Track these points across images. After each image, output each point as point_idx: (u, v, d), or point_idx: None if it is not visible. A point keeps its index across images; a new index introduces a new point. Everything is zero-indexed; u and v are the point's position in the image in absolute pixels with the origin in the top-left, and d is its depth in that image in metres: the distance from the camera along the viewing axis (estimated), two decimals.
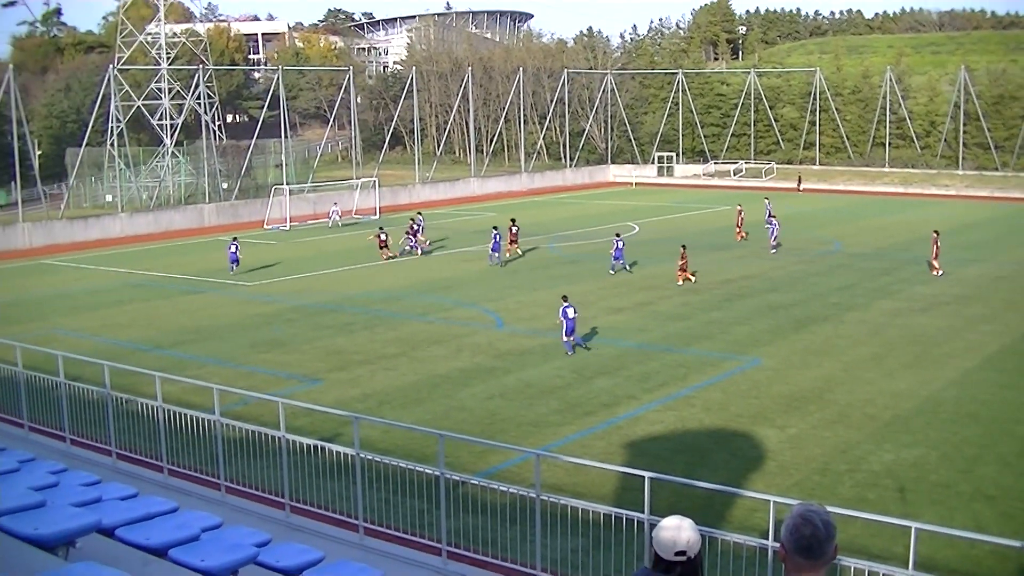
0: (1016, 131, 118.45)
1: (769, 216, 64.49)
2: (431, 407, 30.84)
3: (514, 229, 60.87)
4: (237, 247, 56.92)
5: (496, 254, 58.50)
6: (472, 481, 21.73)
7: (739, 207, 70.10)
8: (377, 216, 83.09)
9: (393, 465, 20.24)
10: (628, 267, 55.76)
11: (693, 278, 51.30)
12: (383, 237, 60.79)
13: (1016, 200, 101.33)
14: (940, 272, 52.80)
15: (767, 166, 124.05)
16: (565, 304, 37.46)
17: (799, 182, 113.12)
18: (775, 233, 62.10)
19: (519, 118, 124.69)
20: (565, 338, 37.16)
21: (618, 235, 56.82)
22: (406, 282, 53.31)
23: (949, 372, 34.61)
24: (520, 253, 60.72)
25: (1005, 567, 20.17)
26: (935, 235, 54.13)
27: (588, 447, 26.84)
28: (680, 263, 51.42)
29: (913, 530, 17.89)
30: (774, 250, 61.61)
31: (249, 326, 43.47)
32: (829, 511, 6.26)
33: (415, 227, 64.02)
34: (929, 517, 22.02)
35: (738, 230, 67.97)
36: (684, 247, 52.13)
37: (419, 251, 62.26)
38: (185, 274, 57.38)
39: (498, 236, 58.60)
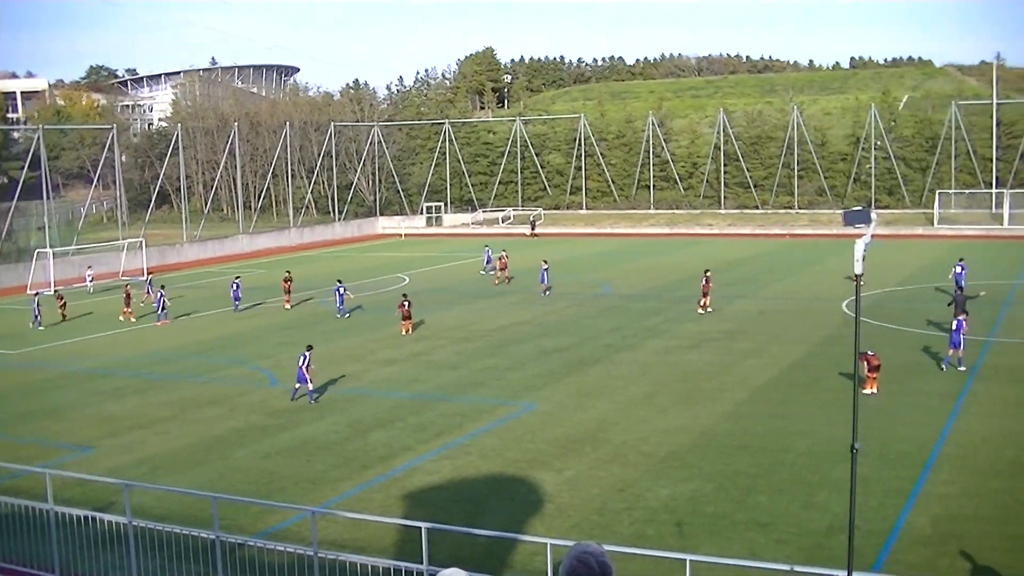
0: (774, 170, 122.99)
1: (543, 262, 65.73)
2: (207, 469, 30.21)
3: (288, 283, 61.94)
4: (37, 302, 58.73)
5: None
6: (250, 543, 21.38)
7: (503, 252, 72.80)
8: (145, 277, 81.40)
9: (168, 531, 19.78)
10: (347, 314, 57.76)
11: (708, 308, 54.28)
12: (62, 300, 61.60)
13: (775, 236, 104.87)
14: (708, 310, 54.28)
15: (535, 212, 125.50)
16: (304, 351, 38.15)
17: (533, 226, 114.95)
18: (545, 278, 63.22)
19: (287, 172, 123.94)
20: (297, 384, 37.85)
21: (340, 281, 59.17)
22: (177, 343, 52.22)
23: (720, 406, 35.49)
24: (290, 307, 60.66)
25: None
26: (706, 274, 55.57)
27: (367, 501, 26.64)
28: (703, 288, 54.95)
29: (688, 562, 18.30)
30: (544, 294, 62.57)
31: (16, 395, 41.92)
32: (606, 550, 6.32)
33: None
34: (707, 548, 22.53)
35: (502, 273, 69.86)
36: (708, 271, 55.83)
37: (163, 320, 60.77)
38: None
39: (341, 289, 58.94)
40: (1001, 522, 24.00)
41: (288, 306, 61.43)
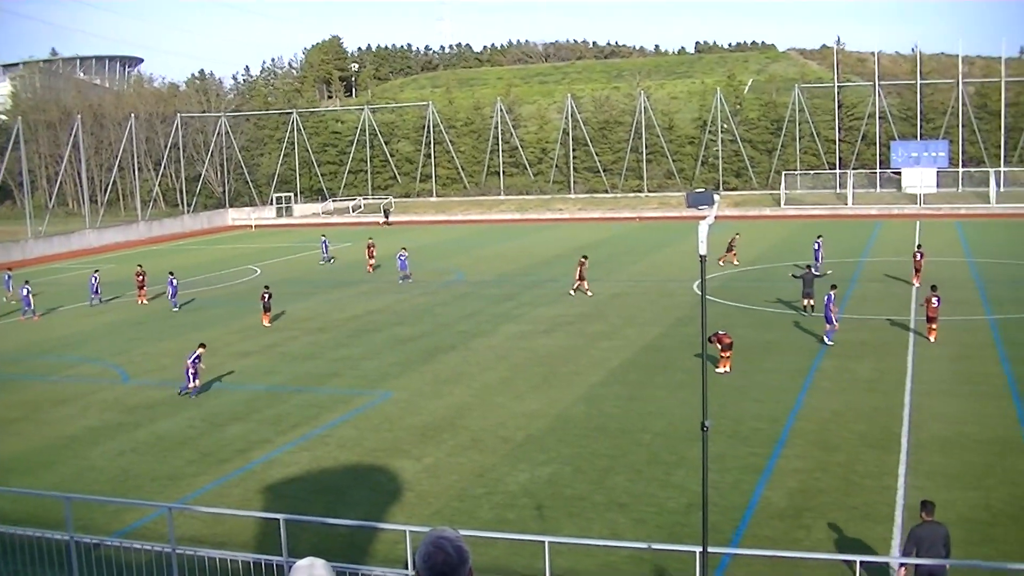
0: (622, 154, 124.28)
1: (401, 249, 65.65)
2: (61, 470, 29.55)
3: (141, 277, 60.75)
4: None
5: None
6: (107, 543, 21.05)
7: (370, 240, 72.54)
8: (4, 274, 79.64)
9: (21, 535, 19.37)
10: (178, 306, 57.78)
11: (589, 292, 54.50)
12: None
13: (626, 220, 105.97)
14: (580, 293, 55.07)
15: (385, 201, 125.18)
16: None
17: (386, 215, 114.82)
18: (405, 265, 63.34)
19: (133, 165, 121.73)
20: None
21: (172, 273, 58.92)
22: (25, 342, 50.98)
23: (576, 389, 35.80)
24: (146, 302, 59.68)
25: (641, 570, 20.95)
26: (583, 260, 56.53)
27: (225, 496, 26.37)
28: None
29: (546, 544, 18.48)
30: (402, 281, 62.61)
31: None
32: (464, 535, 6.34)
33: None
34: (568, 530, 22.75)
35: (370, 263, 69.52)
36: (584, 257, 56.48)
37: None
38: None
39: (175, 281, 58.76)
40: (848, 493, 24.61)
41: (143, 301, 60.15)
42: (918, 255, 55.76)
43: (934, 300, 41.16)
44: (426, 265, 70.28)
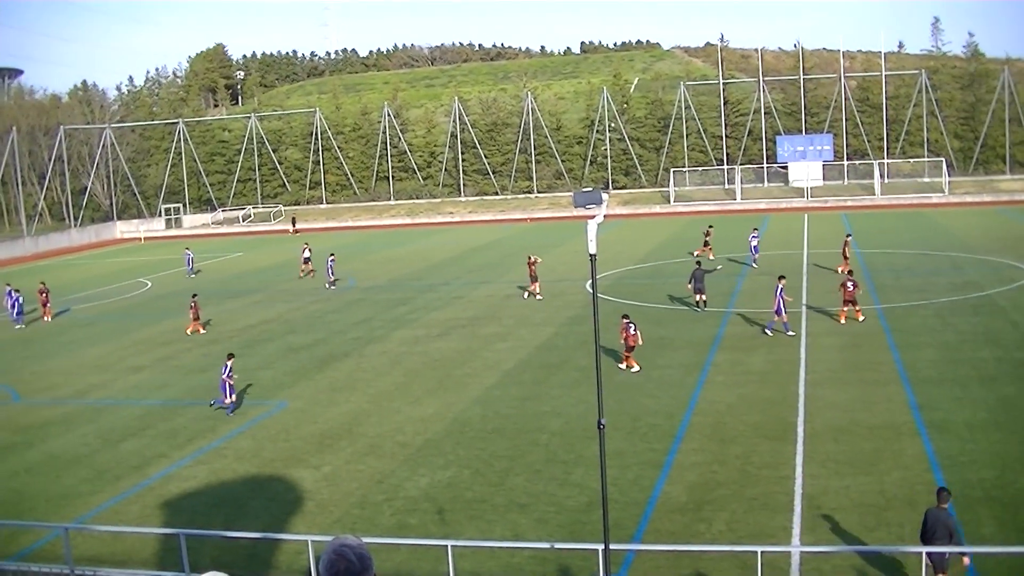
0: (511, 156, 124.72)
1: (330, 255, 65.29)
2: None
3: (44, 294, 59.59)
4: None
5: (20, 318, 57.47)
6: (3, 566, 20.72)
7: (306, 244, 73.16)
8: None
9: None
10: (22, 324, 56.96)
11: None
12: None
13: (516, 221, 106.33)
14: (538, 296, 54.22)
15: (275, 209, 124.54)
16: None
17: (294, 223, 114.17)
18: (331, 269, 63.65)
19: (16, 179, 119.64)
20: (224, 400, 35.56)
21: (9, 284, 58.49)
22: None
23: (471, 392, 35.90)
24: (49, 320, 58.47)
25: (545, 569, 21.07)
26: (536, 259, 55.75)
27: (122, 513, 26.04)
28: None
29: (449, 548, 18.52)
30: (330, 286, 62.95)
31: None
32: (366, 542, 6.37)
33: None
34: (470, 533, 22.82)
35: (304, 267, 69.60)
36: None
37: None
38: None
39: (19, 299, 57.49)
40: (746, 485, 24.93)
41: (47, 318, 58.81)
42: (847, 242, 57.91)
43: (849, 284, 43.52)
44: (317, 272, 69.89)
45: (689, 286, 48.58)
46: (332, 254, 66.10)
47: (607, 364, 36.44)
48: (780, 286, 41.77)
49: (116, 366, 44.84)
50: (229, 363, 35.47)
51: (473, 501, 25.17)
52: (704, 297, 47.90)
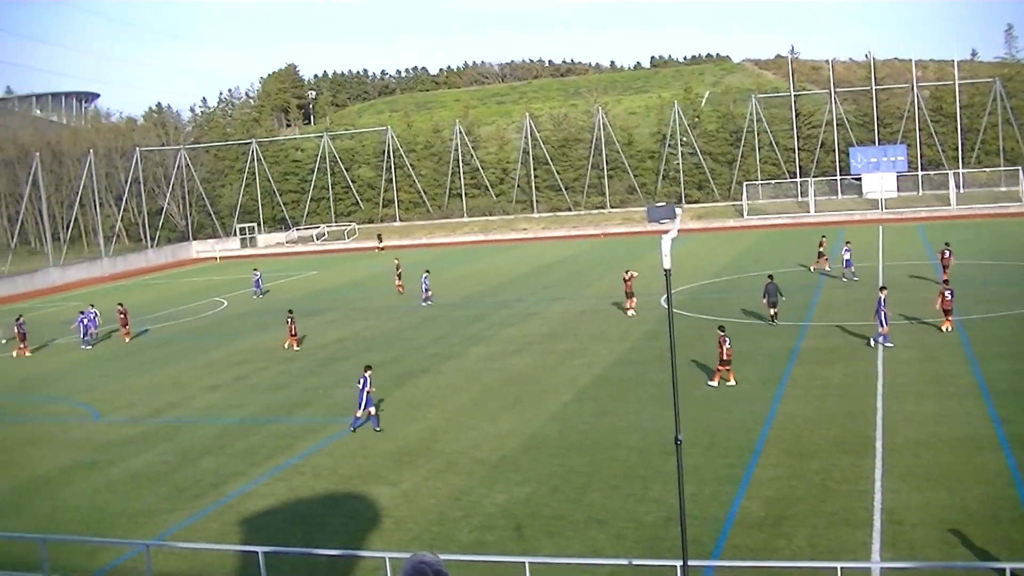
0: (583, 172, 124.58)
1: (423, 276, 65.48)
2: (34, 512, 29.30)
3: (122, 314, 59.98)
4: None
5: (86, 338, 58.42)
6: None
7: (396, 260, 74.15)
8: None
9: None
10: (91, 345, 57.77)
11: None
12: None
13: (589, 237, 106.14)
14: (630, 313, 53.15)
15: (348, 228, 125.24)
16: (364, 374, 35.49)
17: (379, 239, 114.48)
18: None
19: (94, 201, 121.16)
20: (358, 413, 35.12)
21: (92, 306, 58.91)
22: None
23: (548, 408, 35.80)
24: (128, 340, 58.98)
25: None
26: (633, 274, 54.23)
27: (201, 530, 26.21)
28: None
29: (526, 565, 18.46)
30: (425, 303, 63.17)
31: None
32: (444, 559, 6.34)
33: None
34: (547, 550, 22.73)
35: (399, 284, 69.98)
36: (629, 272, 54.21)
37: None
38: None
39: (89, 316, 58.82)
40: (825, 500, 24.66)
41: (128, 339, 59.12)
42: (946, 252, 57.08)
43: (947, 294, 43.65)
44: (393, 290, 70.12)
45: (763, 300, 48.36)
46: (427, 271, 66.31)
47: (685, 379, 36.25)
48: (882, 297, 41.37)
49: (192, 385, 45.22)
50: (367, 375, 35.09)
51: (551, 517, 25.07)
52: (776, 311, 47.61)
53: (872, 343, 41.30)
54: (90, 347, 57.68)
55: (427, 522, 25.49)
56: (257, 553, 18.68)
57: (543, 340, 48.69)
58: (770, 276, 50.37)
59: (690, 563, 16.97)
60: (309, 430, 35.75)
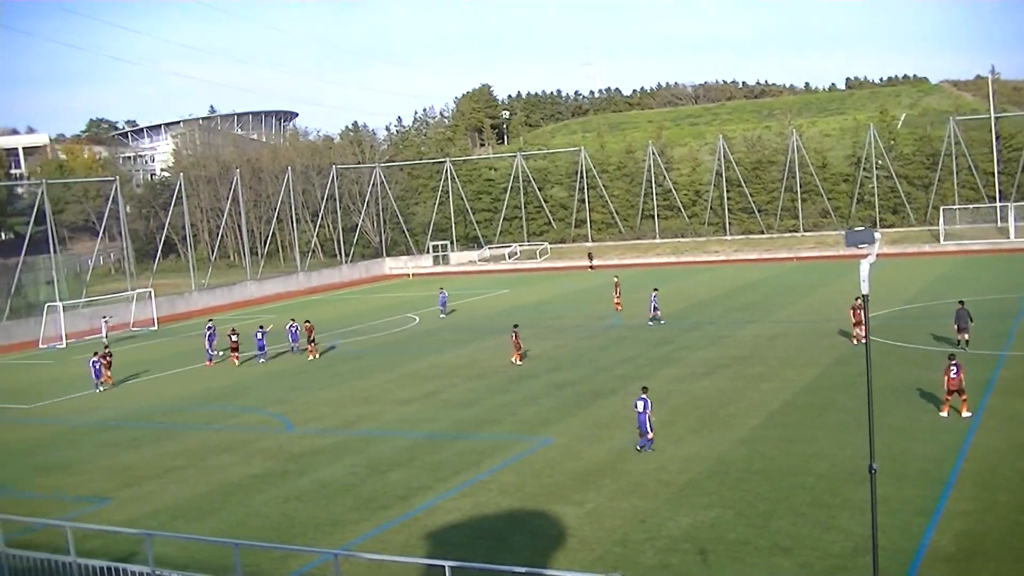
0: (776, 194, 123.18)
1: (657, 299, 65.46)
2: (226, 516, 30.19)
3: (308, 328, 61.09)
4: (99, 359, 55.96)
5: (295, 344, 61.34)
6: None
7: (615, 278, 74.96)
8: (155, 327, 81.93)
9: None
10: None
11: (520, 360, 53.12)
12: (109, 358, 57.17)
13: (782, 260, 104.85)
14: (858, 341, 50.87)
15: (540, 247, 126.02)
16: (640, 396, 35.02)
17: (591, 258, 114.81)
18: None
19: (291, 217, 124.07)
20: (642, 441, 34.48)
21: (293, 320, 62.57)
22: (188, 392, 52.21)
23: (736, 432, 35.46)
24: (317, 357, 60.13)
25: None
26: (858, 302, 51.10)
27: (387, 542, 26.61)
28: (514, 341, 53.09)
29: None
30: (652, 323, 63.49)
31: (29, 450, 41.93)
32: None
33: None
34: (730, 575, 22.49)
35: (617, 301, 70.42)
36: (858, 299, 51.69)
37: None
38: None
39: (295, 328, 61.72)
40: (1018, 536, 23.92)
41: (312, 356, 59.69)
42: None
43: (952, 369, 35.97)
44: (583, 309, 70.29)
45: (954, 326, 47.30)
46: (655, 288, 66.56)
47: (877, 407, 35.56)
48: None
49: (383, 398, 45.95)
50: (645, 396, 34.63)
51: (735, 543, 24.84)
52: (967, 337, 46.50)
53: None
54: (263, 360, 59.27)
55: (611, 543, 25.46)
56: (444, 568, 18.86)
57: (732, 363, 48.28)
58: (960, 302, 49.11)
59: None
60: (496, 447, 36.01)
